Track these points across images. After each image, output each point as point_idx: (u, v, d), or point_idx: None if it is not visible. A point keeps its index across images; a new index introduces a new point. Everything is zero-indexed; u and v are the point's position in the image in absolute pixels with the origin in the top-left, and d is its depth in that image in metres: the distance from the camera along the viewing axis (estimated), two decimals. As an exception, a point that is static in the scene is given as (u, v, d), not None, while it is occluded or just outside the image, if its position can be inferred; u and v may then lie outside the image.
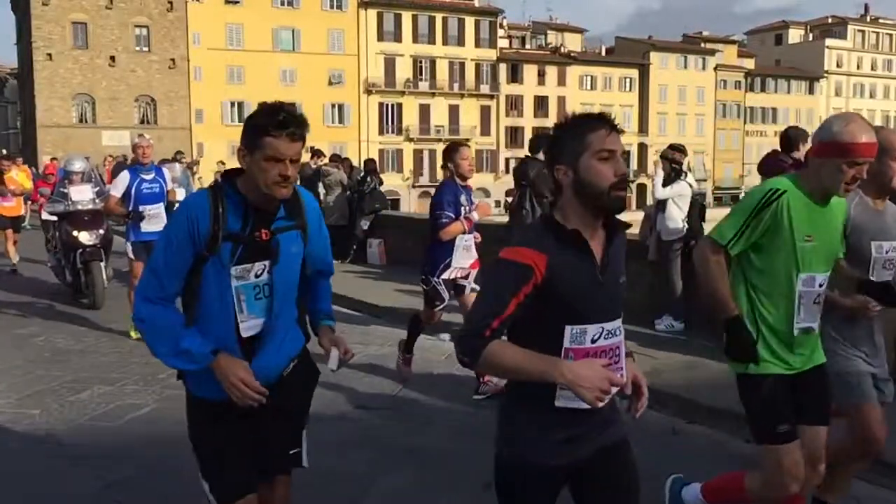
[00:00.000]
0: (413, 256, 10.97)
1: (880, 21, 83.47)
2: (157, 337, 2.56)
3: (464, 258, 5.78)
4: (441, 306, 5.86)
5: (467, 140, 61.83)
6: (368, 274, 11.82)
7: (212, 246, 2.48)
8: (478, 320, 2.10)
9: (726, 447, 4.91)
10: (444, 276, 5.75)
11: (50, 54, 50.00)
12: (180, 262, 2.52)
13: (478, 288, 5.83)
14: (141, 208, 7.43)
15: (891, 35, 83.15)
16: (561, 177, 2.16)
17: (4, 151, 18.88)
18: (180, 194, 10.69)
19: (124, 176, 7.60)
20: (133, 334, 7.59)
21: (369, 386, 6.12)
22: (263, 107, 2.52)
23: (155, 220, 7.39)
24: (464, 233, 5.73)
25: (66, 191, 9.33)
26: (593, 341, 2.15)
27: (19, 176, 13.98)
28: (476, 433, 5.20)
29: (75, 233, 9.12)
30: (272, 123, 2.44)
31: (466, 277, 5.84)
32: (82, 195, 9.28)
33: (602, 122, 2.14)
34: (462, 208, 5.73)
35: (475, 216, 5.83)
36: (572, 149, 2.14)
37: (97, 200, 9.25)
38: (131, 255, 7.55)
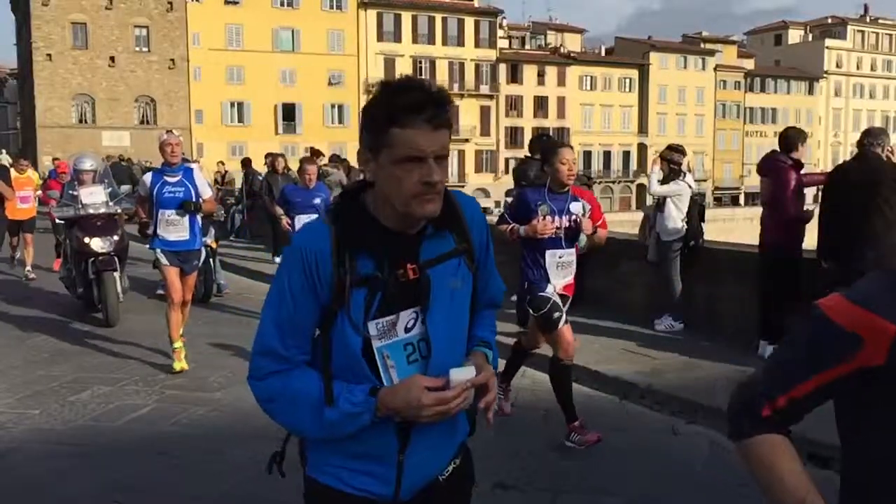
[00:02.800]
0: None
1: (880, 21, 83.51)
2: (295, 412, 1.81)
3: (556, 276, 4.96)
4: (563, 317, 4.91)
5: (466, 140, 61.96)
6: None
7: (338, 296, 1.75)
8: (757, 389, 1.47)
9: (726, 447, 4.90)
10: (548, 291, 4.92)
11: (50, 55, 50.00)
12: (300, 319, 1.79)
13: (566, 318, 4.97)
14: (160, 213, 6.59)
15: (890, 35, 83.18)
16: None
17: (4, 152, 18.87)
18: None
19: (146, 178, 6.82)
20: (177, 366, 6.56)
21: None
22: (387, 85, 1.73)
23: (174, 226, 6.59)
24: (514, 240, 4.94)
25: (75, 193, 8.49)
26: None
27: (34, 175, 14.02)
28: (476, 434, 5.21)
29: (87, 239, 8.22)
30: (403, 107, 1.67)
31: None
32: (94, 197, 8.40)
33: None
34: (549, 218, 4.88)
35: (522, 231, 4.90)
36: None
37: (111, 203, 8.49)
38: (164, 261, 6.61)
